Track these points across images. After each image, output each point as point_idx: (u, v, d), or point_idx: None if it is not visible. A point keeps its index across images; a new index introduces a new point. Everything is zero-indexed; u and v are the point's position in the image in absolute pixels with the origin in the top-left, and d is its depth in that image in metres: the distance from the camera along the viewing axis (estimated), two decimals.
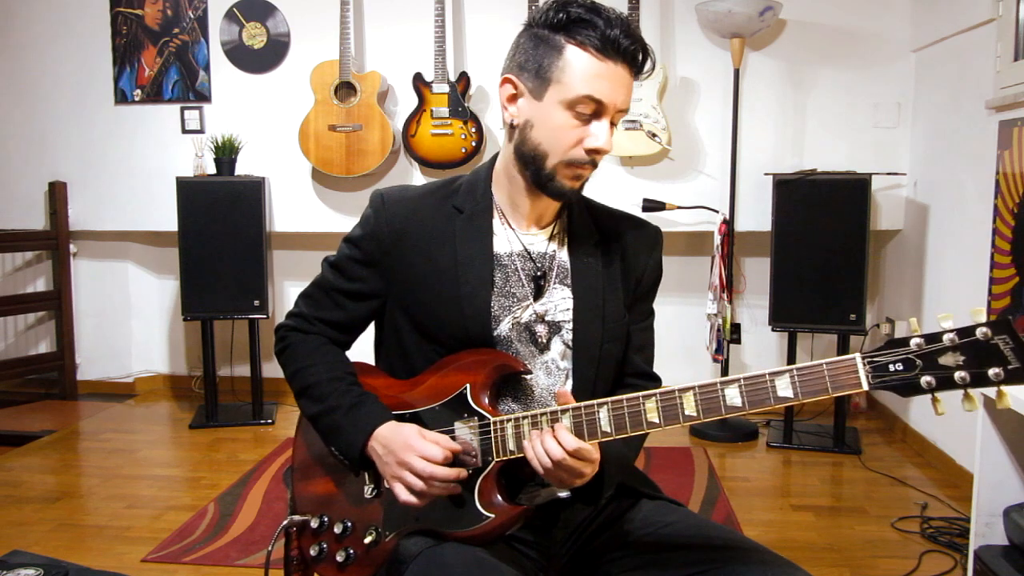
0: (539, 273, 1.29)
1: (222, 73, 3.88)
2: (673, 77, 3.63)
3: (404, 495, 1.18)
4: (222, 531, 2.54)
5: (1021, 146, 2.51)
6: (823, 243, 3.17)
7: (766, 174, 3.40)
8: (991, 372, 0.94)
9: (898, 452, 3.27)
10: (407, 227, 1.29)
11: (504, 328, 1.27)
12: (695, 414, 1.07)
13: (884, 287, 3.74)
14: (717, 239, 3.47)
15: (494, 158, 1.34)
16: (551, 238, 1.32)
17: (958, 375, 0.95)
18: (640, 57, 1.19)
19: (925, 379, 0.97)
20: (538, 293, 1.29)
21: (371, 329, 1.41)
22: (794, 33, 3.58)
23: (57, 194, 3.99)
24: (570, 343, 1.29)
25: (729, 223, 3.46)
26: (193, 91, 3.89)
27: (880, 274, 3.73)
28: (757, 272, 3.68)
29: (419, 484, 1.16)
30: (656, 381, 1.39)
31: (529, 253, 1.30)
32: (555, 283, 1.30)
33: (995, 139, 2.67)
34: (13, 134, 4.05)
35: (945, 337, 0.96)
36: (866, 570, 2.30)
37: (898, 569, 2.28)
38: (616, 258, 1.33)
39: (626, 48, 1.16)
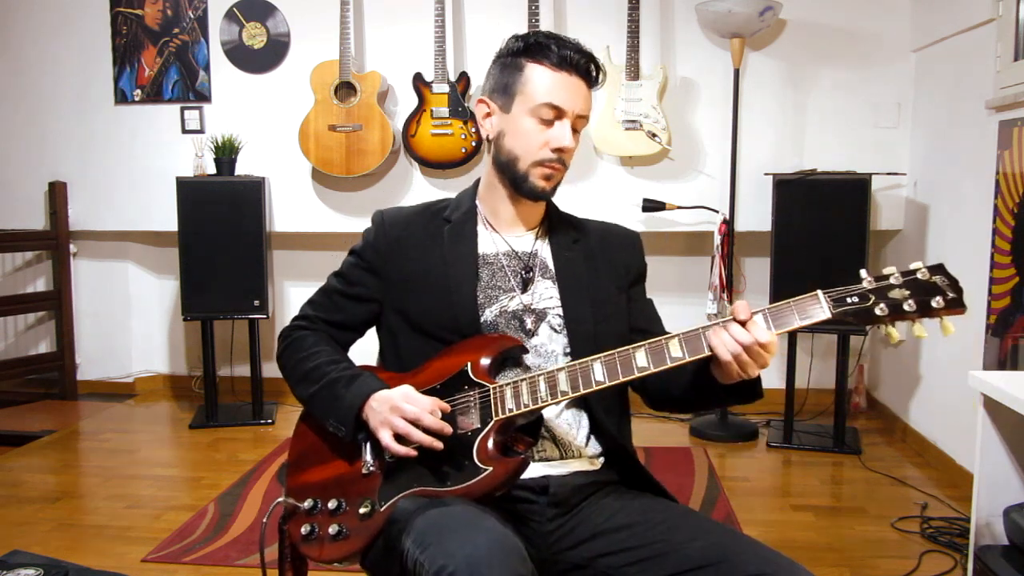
0: (525, 269, 1.42)
1: (222, 73, 3.88)
2: (673, 77, 3.63)
3: (387, 438, 1.26)
4: (222, 531, 2.54)
5: (1021, 146, 2.51)
6: (823, 243, 3.17)
7: (766, 174, 3.40)
8: (933, 301, 1.11)
9: (898, 452, 3.27)
10: (402, 237, 1.45)
11: (490, 315, 1.38)
12: (681, 355, 1.19)
13: None
14: (717, 239, 3.47)
15: (478, 181, 1.50)
16: (535, 239, 1.46)
17: (906, 304, 1.11)
18: (592, 70, 1.36)
19: (879, 307, 1.12)
20: (525, 287, 1.41)
21: (375, 345, 1.50)
22: (794, 33, 3.58)
23: (57, 194, 3.99)
24: (557, 327, 1.40)
25: (729, 223, 3.46)
26: (193, 91, 3.89)
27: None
28: (757, 272, 3.68)
29: (403, 426, 1.25)
30: None
31: (515, 251, 1.43)
32: (539, 277, 1.42)
33: (995, 139, 2.67)
34: (13, 134, 4.05)
35: (891, 277, 1.13)
36: (866, 570, 2.30)
37: (898, 569, 2.28)
38: (596, 253, 1.47)
39: (577, 62, 1.34)
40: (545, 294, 1.41)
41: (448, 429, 1.24)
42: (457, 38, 3.72)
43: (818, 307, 1.14)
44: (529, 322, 1.39)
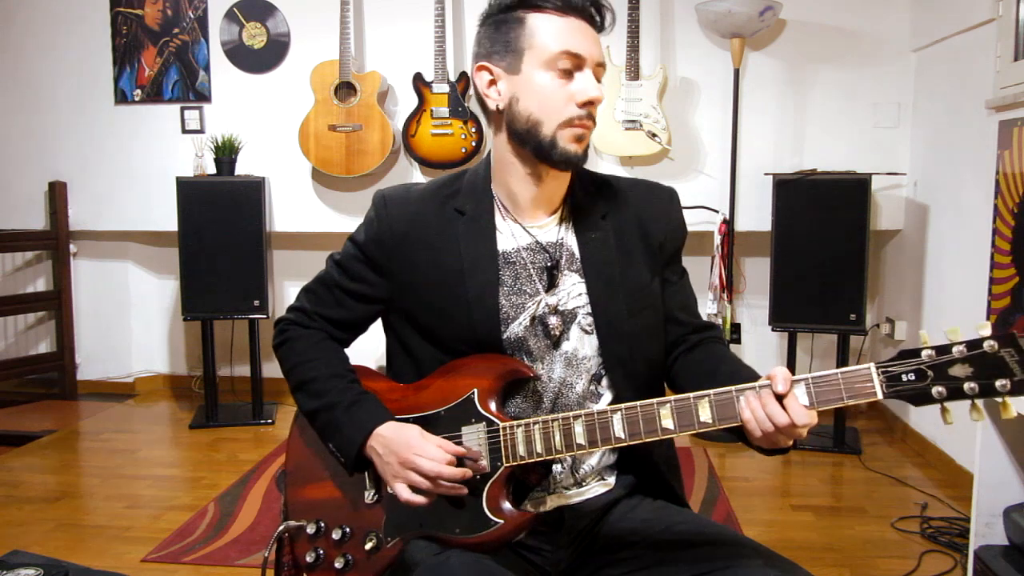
0: (551, 263, 1.26)
1: (222, 73, 3.88)
2: (673, 77, 3.63)
3: (407, 494, 1.17)
4: (222, 531, 2.54)
5: (1021, 146, 2.51)
6: (823, 243, 3.17)
7: (766, 174, 3.40)
8: (998, 383, 0.97)
9: (898, 452, 3.27)
10: (409, 231, 1.28)
11: (517, 328, 1.24)
12: (710, 420, 1.08)
13: (884, 287, 3.74)
14: (717, 239, 3.47)
15: (489, 156, 1.32)
16: (559, 224, 1.29)
17: (967, 386, 0.98)
18: (598, 13, 1.21)
19: (936, 389, 0.99)
20: (551, 284, 1.26)
21: (381, 339, 1.39)
22: (794, 33, 3.58)
23: (57, 194, 3.99)
24: (588, 327, 1.26)
25: (729, 223, 3.46)
26: (193, 91, 3.89)
27: (880, 274, 3.73)
28: (757, 272, 3.68)
29: (425, 484, 1.16)
30: (712, 329, 1.38)
31: (540, 243, 1.27)
32: (565, 270, 1.27)
33: (995, 139, 2.67)
34: (13, 134, 4.05)
35: (954, 349, 0.99)
36: (866, 570, 2.30)
37: (898, 569, 2.28)
38: (629, 226, 1.31)
39: (582, 4, 1.19)
40: (573, 291, 1.26)
41: (469, 474, 1.16)
42: (457, 38, 3.72)
43: (869, 386, 1.01)
44: (554, 325, 1.24)
